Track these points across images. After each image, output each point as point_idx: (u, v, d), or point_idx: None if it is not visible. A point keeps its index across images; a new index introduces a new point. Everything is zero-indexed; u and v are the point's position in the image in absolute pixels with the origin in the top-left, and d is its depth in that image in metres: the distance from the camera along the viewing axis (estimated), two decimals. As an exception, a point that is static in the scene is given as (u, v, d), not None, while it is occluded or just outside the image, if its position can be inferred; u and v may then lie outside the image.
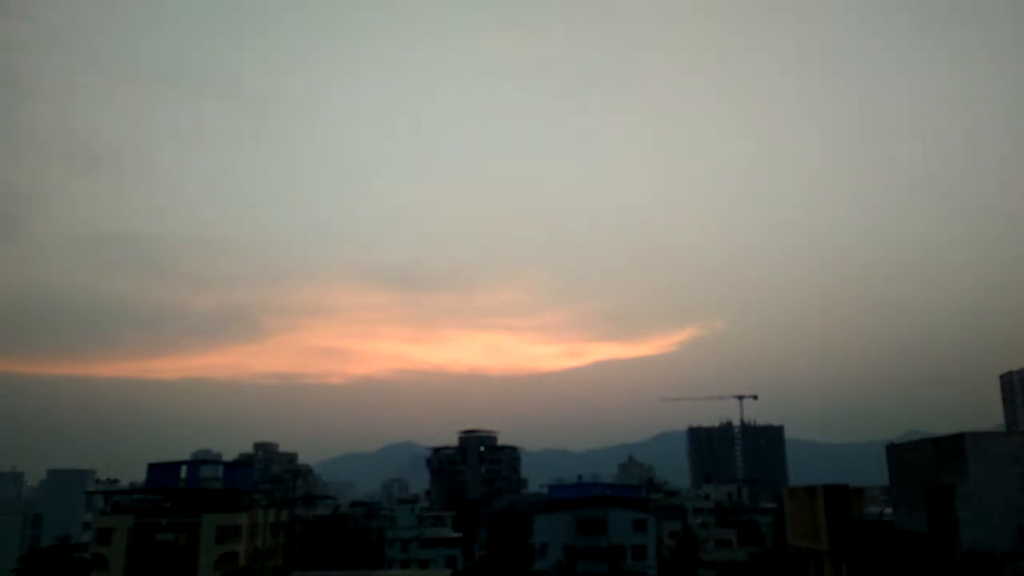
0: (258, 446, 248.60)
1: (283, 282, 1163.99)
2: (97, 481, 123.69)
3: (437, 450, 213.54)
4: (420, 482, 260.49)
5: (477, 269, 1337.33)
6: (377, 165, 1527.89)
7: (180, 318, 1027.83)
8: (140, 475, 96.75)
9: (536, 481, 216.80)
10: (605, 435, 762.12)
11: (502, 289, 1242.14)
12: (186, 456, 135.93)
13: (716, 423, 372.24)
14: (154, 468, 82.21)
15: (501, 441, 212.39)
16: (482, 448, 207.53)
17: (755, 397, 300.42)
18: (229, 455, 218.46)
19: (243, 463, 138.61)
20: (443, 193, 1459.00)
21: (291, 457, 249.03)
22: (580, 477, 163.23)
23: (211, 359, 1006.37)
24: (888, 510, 35.08)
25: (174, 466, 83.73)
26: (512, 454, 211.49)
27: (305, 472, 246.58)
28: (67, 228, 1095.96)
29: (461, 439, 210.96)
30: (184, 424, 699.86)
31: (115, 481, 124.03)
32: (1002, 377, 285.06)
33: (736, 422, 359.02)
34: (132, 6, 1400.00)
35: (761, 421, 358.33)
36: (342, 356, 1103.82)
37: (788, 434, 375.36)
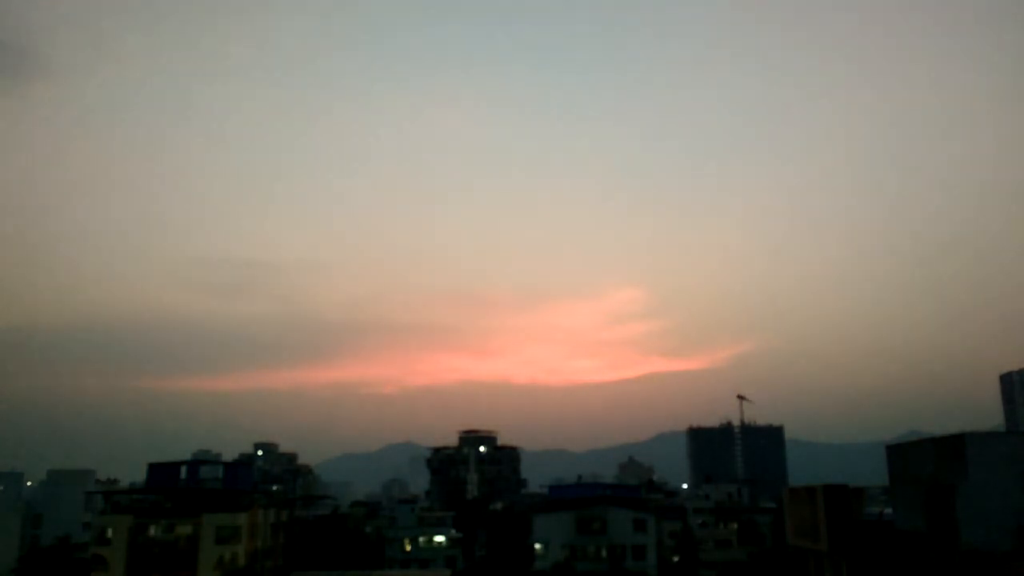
0: (258, 446, 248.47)
1: (358, 301, 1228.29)
2: (97, 481, 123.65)
3: (437, 450, 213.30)
4: (420, 482, 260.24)
5: (547, 286, 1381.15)
6: (453, 191, 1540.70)
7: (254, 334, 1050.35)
8: (140, 475, 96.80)
9: (536, 481, 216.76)
10: (605, 435, 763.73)
11: (568, 306, 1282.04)
12: (186, 456, 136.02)
13: (716, 423, 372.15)
14: (154, 468, 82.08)
15: (501, 442, 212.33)
16: (482, 448, 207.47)
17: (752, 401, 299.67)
18: (229, 455, 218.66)
19: (243, 463, 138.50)
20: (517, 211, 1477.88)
21: (291, 457, 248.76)
22: (580, 477, 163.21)
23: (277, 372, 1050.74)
24: (888, 510, 35.11)
25: (174, 466, 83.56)
26: (512, 454, 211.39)
27: (305, 472, 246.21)
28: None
29: (461, 439, 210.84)
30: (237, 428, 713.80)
31: (115, 481, 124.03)
32: (1002, 377, 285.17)
33: (736, 422, 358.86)
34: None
35: (761, 421, 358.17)
36: (403, 367, 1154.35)
37: (788, 434, 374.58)
